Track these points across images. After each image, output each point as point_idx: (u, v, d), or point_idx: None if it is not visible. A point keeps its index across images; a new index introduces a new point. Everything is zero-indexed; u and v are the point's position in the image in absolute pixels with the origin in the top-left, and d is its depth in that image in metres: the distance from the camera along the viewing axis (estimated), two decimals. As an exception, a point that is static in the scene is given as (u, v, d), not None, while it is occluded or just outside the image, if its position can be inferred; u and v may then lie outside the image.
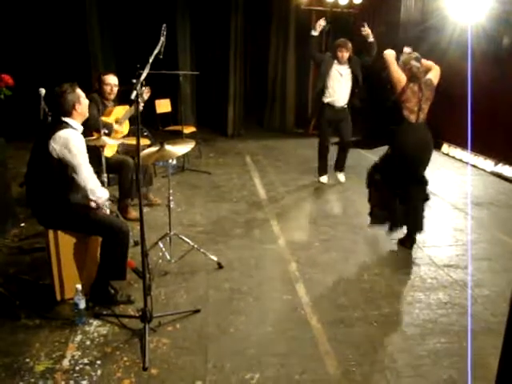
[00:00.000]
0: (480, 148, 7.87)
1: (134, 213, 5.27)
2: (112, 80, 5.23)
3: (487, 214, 5.85)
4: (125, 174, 5.16)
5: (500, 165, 7.53)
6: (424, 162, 4.59)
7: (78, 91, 3.58)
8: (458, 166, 8.28)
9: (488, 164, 7.78)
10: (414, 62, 4.43)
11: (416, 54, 4.52)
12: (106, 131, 4.51)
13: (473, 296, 3.91)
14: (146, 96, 5.39)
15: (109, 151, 5.04)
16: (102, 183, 4.30)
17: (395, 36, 9.67)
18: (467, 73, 6.63)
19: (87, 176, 3.45)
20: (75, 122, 3.56)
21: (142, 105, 5.33)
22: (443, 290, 4.02)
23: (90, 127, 4.37)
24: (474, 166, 8.05)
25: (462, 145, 8.33)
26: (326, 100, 6.68)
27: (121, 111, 5.27)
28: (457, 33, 7.90)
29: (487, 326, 3.48)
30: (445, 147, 9.04)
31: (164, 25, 3.37)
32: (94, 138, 4.28)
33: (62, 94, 3.49)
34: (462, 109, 6.97)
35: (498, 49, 7.41)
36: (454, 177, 7.59)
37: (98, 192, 3.52)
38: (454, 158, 8.72)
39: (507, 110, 7.28)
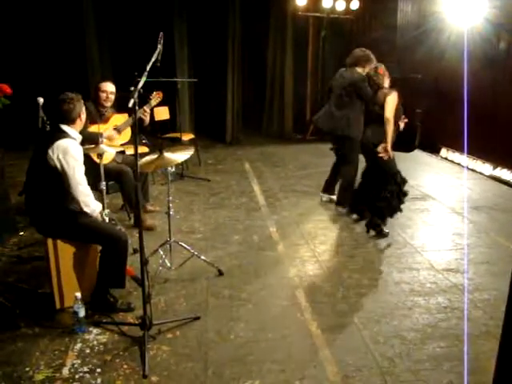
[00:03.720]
0: (478, 152, 7.89)
1: (149, 220, 5.33)
2: (108, 87, 5.23)
3: (486, 218, 5.86)
4: (125, 184, 5.14)
5: (498, 168, 7.53)
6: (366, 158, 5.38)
7: (83, 103, 3.65)
8: (457, 170, 8.29)
9: (486, 168, 7.79)
10: (373, 74, 5.19)
11: (376, 65, 5.26)
12: (104, 139, 4.50)
13: (472, 300, 3.91)
14: (154, 102, 5.39)
15: (104, 158, 5.03)
16: (101, 191, 4.32)
17: (393, 40, 9.73)
18: (464, 76, 6.65)
19: (81, 188, 3.47)
20: (74, 132, 3.58)
21: (148, 111, 5.35)
22: (443, 294, 4.02)
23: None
24: (472, 169, 8.06)
25: (460, 149, 8.33)
26: None
27: (120, 119, 5.28)
28: (453, 36, 7.93)
29: (487, 329, 3.48)
30: (443, 151, 9.05)
31: (161, 33, 3.39)
32: (92, 146, 4.29)
33: (71, 101, 3.53)
34: (460, 113, 7.00)
35: (495, 52, 7.44)
36: (452, 181, 7.59)
37: (92, 205, 3.54)
38: (452, 162, 8.73)
39: (505, 114, 7.30)
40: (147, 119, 5.39)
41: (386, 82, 5.14)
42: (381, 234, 5.18)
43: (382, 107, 4.96)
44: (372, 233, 5.25)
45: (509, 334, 1.66)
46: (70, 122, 3.54)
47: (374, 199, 5.16)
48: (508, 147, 7.23)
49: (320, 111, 6.20)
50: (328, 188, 6.41)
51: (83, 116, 3.63)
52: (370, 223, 5.26)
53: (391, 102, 4.91)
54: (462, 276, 4.32)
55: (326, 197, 6.40)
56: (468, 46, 7.26)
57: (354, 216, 5.69)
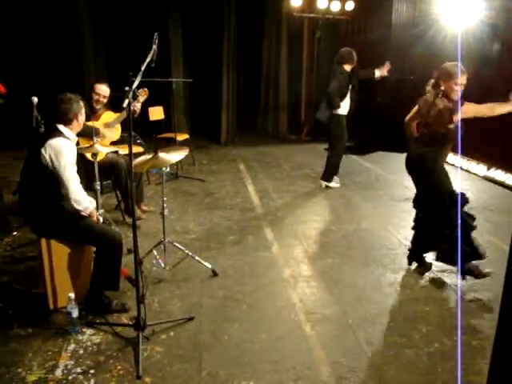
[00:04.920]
0: (472, 152, 7.90)
1: (139, 212, 5.42)
2: (102, 90, 5.22)
3: (480, 219, 5.81)
4: (119, 176, 5.17)
5: (493, 169, 7.55)
6: (414, 180, 4.50)
7: (82, 104, 3.64)
8: (451, 170, 8.26)
9: (480, 168, 7.81)
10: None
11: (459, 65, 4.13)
12: (99, 139, 4.49)
13: (466, 300, 3.92)
14: (142, 98, 5.36)
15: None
16: (95, 191, 4.31)
17: (387, 40, 9.73)
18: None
19: (73, 188, 3.44)
20: (70, 132, 3.57)
21: (138, 105, 5.31)
22: (437, 295, 4.03)
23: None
24: (466, 170, 8.07)
25: (454, 149, 8.34)
26: (343, 112, 6.83)
27: (110, 116, 5.26)
28: (448, 37, 7.94)
29: (481, 330, 3.48)
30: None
31: (156, 33, 3.38)
32: (85, 146, 4.28)
33: (69, 102, 3.52)
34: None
35: (489, 53, 7.45)
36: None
37: (84, 203, 3.52)
38: (446, 162, 8.71)
39: (499, 115, 7.30)
40: (138, 110, 5.38)
41: (455, 93, 4.07)
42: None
43: (440, 123, 4.09)
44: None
45: (502, 335, 1.66)
46: (66, 122, 3.53)
47: (435, 239, 4.27)
48: (502, 148, 7.25)
49: None
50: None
51: (81, 118, 3.62)
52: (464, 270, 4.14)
53: (467, 109, 4.02)
54: (457, 276, 4.32)
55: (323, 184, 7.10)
56: (462, 47, 7.25)
57: (415, 266, 4.51)
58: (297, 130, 11.30)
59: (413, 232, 4.53)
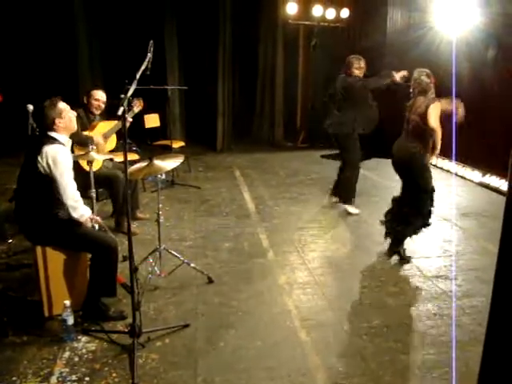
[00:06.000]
0: (467, 159, 7.93)
1: (132, 226, 5.26)
2: (101, 95, 5.25)
3: (475, 225, 5.89)
4: (116, 189, 5.16)
5: (487, 175, 7.58)
6: (398, 173, 4.83)
7: (60, 106, 3.56)
8: (446, 176, 8.33)
9: (475, 175, 7.84)
10: (423, 77, 4.58)
11: (427, 71, 4.62)
12: (94, 146, 4.50)
13: (461, 306, 3.93)
14: (136, 109, 5.37)
15: (94, 165, 5.02)
16: (91, 198, 4.30)
17: (382, 47, 9.78)
18: (452, 83, 6.70)
19: (70, 194, 3.45)
20: (62, 136, 3.56)
21: (129, 119, 5.30)
22: (432, 301, 4.03)
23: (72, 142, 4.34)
24: (461, 176, 8.10)
25: (449, 156, 8.38)
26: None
27: (105, 126, 5.27)
28: (443, 44, 7.99)
29: (475, 336, 3.48)
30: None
31: (151, 41, 3.40)
32: (81, 153, 4.28)
33: (43, 109, 3.51)
34: (448, 119, 7.03)
35: (484, 60, 7.49)
36: (441, 188, 7.60)
37: (80, 210, 3.52)
38: (441, 169, 8.77)
39: (493, 121, 7.35)
40: (129, 120, 5.35)
41: (431, 92, 4.59)
42: (403, 260, 4.78)
43: (420, 116, 4.49)
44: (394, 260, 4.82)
45: (492, 340, 1.68)
46: (48, 127, 3.52)
47: (400, 220, 4.75)
48: (497, 154, 7.27)
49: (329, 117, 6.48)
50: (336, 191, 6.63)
51: (60, 120, 3.53)
52: (391, 249, 4.85)
53: (434, 110, 4.43)
54: (451, 283, 4.34)
55: (334, 199, 6.62)
56: (457, 54, 7.31)
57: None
58: (292, 136, 11.32)
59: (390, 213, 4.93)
